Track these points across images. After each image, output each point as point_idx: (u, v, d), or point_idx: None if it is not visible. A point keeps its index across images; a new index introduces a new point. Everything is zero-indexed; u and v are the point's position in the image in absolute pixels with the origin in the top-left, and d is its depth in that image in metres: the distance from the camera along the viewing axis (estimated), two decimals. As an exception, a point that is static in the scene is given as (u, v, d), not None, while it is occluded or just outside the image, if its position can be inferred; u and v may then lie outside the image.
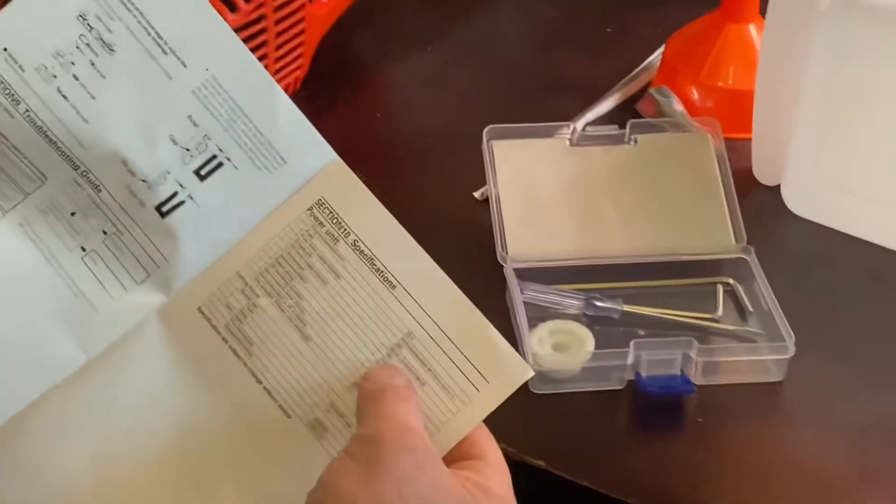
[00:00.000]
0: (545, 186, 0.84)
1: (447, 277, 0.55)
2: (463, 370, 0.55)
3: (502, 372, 0.55)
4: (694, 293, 0.80)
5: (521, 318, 0.74)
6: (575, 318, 0.78)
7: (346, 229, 0.56)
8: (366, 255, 0.55)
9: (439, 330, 0.55)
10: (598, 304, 0.78)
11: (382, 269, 0.55)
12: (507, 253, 0.80)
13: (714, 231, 0.82)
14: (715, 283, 0.81)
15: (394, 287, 0.55)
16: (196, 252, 0.56)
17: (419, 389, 0.54)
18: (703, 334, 0.77)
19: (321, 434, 0.55)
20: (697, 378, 0.73)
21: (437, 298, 0.55)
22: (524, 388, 0.56)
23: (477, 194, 0.88)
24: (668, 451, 0.70)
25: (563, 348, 0.75)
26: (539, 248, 0.80)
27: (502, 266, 0.80)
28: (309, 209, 0.56)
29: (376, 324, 0.55)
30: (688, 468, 0.69)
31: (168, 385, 0.55)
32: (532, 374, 0.56)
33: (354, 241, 0.56)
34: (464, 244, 0.82)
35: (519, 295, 0.77)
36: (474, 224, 0.85)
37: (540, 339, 0.75)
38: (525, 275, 0.79)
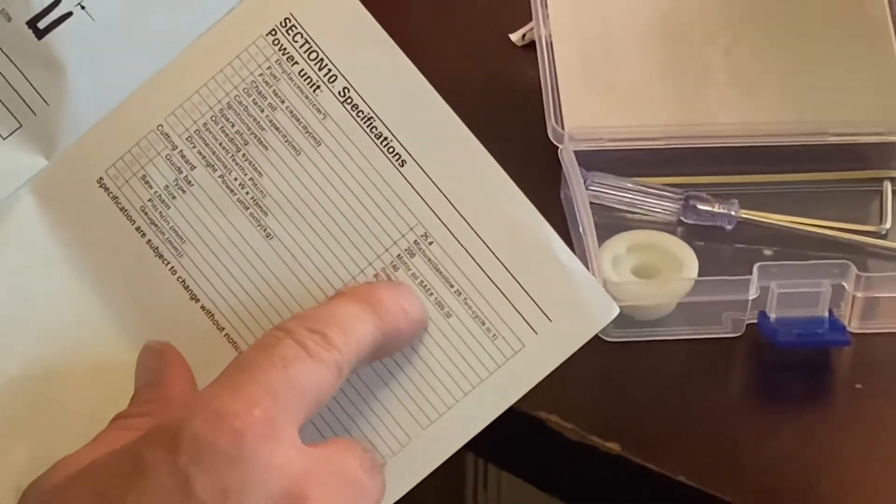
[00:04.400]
0: (622, 25, 0.77)
1: (487, 152, 0.51)
2: (511, 299, 0.50)
3: (572, 306, 0.50)
4: (848, 194, 0.74)
5: (586, 226, 0.67)
6: (667, 227, 0.71)
7: (330, 69, 0.51)
8: (361, 111, 0.51)
9: (472, 232, 0.50)
10: (702, 207, 0.71)
11: (387, 134, 0.51)
12: (562, 127, 0.73)
13: (881, 98, 0.74)
14: (881, 179, 0.74)
15: (403, 163, 0.51)
16: (91, 91, 0.52)
17: (441, 322, 0.50)
18: (863, 256, 0.70)
19: None
20: (854, 322, 0.66)
21: (471, 183, 0.50)
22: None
23: (516, 37, 0.83)
24: (806, 434, 0.63)
25: (648, 273, 0.68)
26: (611, 121, 0.74)
27: (556, 147, 0.72)
28: (271, 32, 0.51)
29: (374, 217, 0.51)
30: (837, 459, 0.62)
31: (51, 296, 0.51)
32: (617, 311, 0.51)
33: (344, 87, 0.51)
34: (496, 113, 0.76)
35: (582, 191, 0.69)
36: (512, 82, 0.80)
37: (614, 259, 0.68)
38: (591, 161, 0.72)
